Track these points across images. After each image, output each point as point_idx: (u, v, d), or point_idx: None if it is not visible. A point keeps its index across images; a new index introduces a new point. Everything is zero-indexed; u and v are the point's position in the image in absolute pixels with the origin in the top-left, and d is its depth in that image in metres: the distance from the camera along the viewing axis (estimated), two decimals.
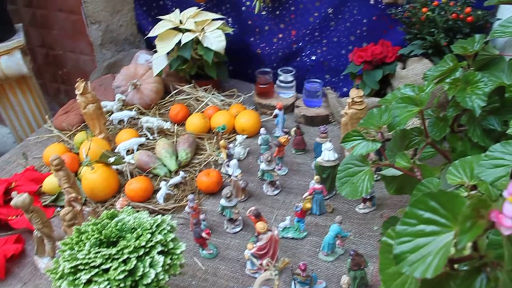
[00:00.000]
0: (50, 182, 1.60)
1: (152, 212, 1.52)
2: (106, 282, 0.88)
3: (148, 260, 0.93)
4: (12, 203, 1.19)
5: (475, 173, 0.97)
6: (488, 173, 0.94)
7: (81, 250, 0.95)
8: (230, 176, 1.57)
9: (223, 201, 1.42)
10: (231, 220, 1.45)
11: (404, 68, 1.82)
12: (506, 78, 1.24)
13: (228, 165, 1.57)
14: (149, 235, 0.97)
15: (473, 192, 0.94)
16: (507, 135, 1.03)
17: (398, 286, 0.69)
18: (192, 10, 2.06)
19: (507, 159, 0.95)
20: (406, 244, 0.59)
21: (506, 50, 1.63)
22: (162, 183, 1.57)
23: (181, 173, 1.63)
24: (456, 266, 0.65)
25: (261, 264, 1.22)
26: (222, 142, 1.63)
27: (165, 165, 1.70)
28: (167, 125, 1.89)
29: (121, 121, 1.99)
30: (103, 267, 0.91)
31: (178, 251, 0.98)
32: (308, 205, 1.37)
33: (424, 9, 1.67)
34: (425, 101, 1.19)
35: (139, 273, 0.90)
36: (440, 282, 0.65)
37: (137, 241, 0.95)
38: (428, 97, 1.20)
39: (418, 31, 1.74)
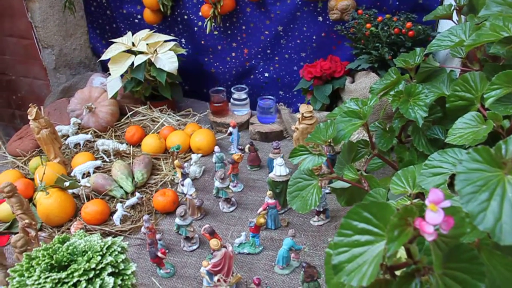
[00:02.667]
0: (4, 210, 1.59)
1: (109, 234, 1.51)
2: None
3: (98, 282, 0.93)
4: None
5: (417, 182, 1.01)
6: (428, 181, 0.98)
7: (31, 276, 0.95)
8: (185, 195, 1.58)
9: (178, 220, 1.43)
10: (188, 239, 1.46)
11: (353, 82, 1.88)
12: (446, 89, 1.30)
13: (182, 184, 1.58)
14: (99, 257, 0.97)
15: (415, 200, 0.98)
16: (449, 145, 1.08)
17: None
18: (144, 32, 2.08)
19: (444, 167, 0.99)
20: (343, 255, 0.62)
21: (447, 62, 1.71)
22: (119, 205, 1.57)
23: (137, 194, 1.64)
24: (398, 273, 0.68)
25: (218, 281, 1.23)
26: (176, 162, 1.65)
27: (121, 187, 1.70)
28: (123, 147, 1.90)
29: (77, 145, 1.99)
30: None
31: (128, 272, 0.99)
32: (262, 220, 1.40)
33: (368, 25, 1.73)
34: (368, 114, 1.24)
35: None
36: None
37: (87, 264, 0.95)
38: (371, 110, 1.25)
39: (364, 46, 1.80)
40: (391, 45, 1.74)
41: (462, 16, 1.42)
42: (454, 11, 1.44)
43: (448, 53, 1.73)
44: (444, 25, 1.75)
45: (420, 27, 1.71)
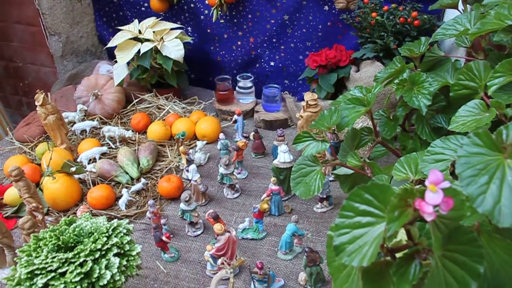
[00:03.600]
0: (11, 194, 1.61)
1: (114, 219, 1.53)
2: (63, 285, 0.90)
3: (104, 262, 0.95)
4: None
5: (419, 168, 1.02)
6: (430, 167, 0.99)
7: (39, 256, 0.97)
8: (190, 181, 1.60)
9: (182, 205, 1.45)
10: (192, 224, 1.48)
11: (358, 71, 1.88)
12: (450, 78, 1.30)
13: (187, 170, 1.60)
14: (105, 238, 0.99)
15: (417, 187, 0.99)
16: (452, 132, 1.09)
17: (344, 277, 0.72)
18: (151, 20, 2.09)
19: (446, 153, 0.99)
20: (345, 236, 0.63)
21: (452, 51, 1.71)
22: (124, 190, 1.59)
23: (143, 180, 1.66)
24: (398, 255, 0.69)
25: (221, 263, 1.25)
26: (181, 148, 1.66)
27: (127, 173, 1.72)
28: (128, 133, 1.91)
29: (83, 131, 2.01)
30: (60, 271, 0.93)
31: (133, 253, 1.01)
32: (265, 206, 1.41)
33: (374, 14, 1.74)
34: (372, 101, 1.24)
35: (95, 275, 0.93)
36: (380, 272, 0.68)
37: (93, 245, 0.97)
38: (374, 97, 1.26)
39: (369, 35, 1.80)
40: (396, 34, 1.74)
41: (467, 5, 1.42)
42: (460, 0, 1.44)
43: (453, 43, 1.73)
44: (450, 15, 1.76)
45: (425, 16, 1.71)
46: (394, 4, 1.80)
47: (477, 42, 1.25)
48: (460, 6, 1.44)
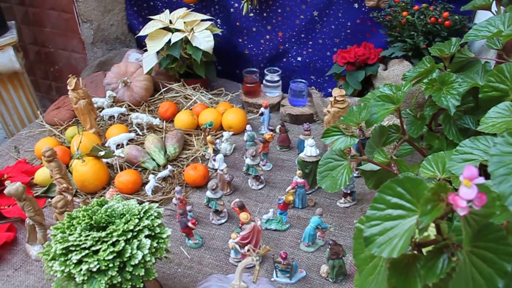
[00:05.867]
0: (42, 174, 1.65)
1: (140, 203, 1.56)
2: (96, 262, 0.94)
3: (135, 242, 0.98)
4: (5, 191, 1.24)
5: (447, 167, 1.03)
6: (458, 167, 0.99)
7: (72, 234, 1.00)
8: (216, 170, 1.63)
9: (209, 193, 1.48)
10: (217, 212, 1.51)
11: (385, 69, 1.89)
12: (480, 79, 1.30)
13: (214, 160, 1.62)
14: (137, 220, 1.02)
15: None
16: (481, 133, 1.09)
17: (370, 269, 0.73)
18: (182, 10, 2.12)
19: (475, 153, 1.00)
20: (375, 227, 0.64)
21: (482, 53, 1.71)
22: (151, 176, 1.62)
23: (169, 167, 1.69)
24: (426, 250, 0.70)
25: (248, 251, 1.27)
26: (209, 138, 1.69)
27: (153, 159, 1.76)
28: (156, 121, 1.95)
29: (111, 117, 2.05)
30: (93, 248, 0.96)
31: (164, 235, 1.04)
32: (290, 198, 1.43)
33: (404, 13, 1.74)
34: (401, 99, 1.25)
35: (127, 255, 0.96)
36: (408, 264, 0.69)
37: (126, 225, 1.00)
38: (404, 95, 1.27)
39: (399, 34, 1.81)
40: (426, 34, 1.74)
41: (501, 7, 1.42)
42: (494, 2, 1.44)
43: (484, 45, 1.73)
44: (481, 16, 1.75)
45: (456, 17, 1.71)
46: (425, 4, 1.80)
47: (509, 45, 1.25)
48: (494, 8, 1.44)
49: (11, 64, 2.31)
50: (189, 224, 1.37)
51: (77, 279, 0.93)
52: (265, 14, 2.19)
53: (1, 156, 1.86)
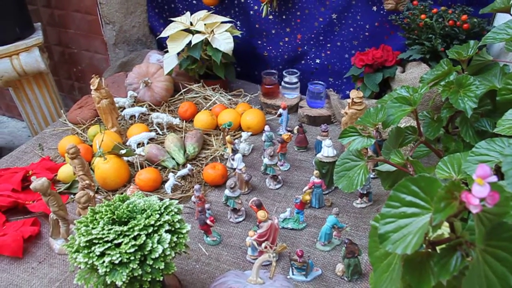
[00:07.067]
0: (65, 171, 1.70)
1: (160, 200, 1.60)
2: (118, 255, 0.97)
3: (156, 237, 1.02)
4: (31, 186, 1.29)
5: (462, 168, 1.04)
6: (473, 168, 1.00)
7: (95, 228, 1.04)
8: (234, 169, 1.66)
9: (227, 192, 1.51)
10: (235, 210, 1.54)
11: (403, 71, 1.90)
12: (498, 82, 1.31)
13: (233, 159, 1.65)
14: (157, 215, 1.06)
15: None
16: (497, 135, 1.09)
17: (384, 266, 0.75)
18: (202, 13, 2.16)
19: (491, 155, 1.00)
20: (390, 225, 0.66)
21: (501, 56, 1.71)
22: (170, 175, 1.66)
23: (189, 166, 1.72)
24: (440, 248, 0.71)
25: (265, 248, 1.30)
26: (228, 138, 1.72)
27: (173, 158, 1.79)
28: (176, 121, 1.99)
29: (132, 117, 2.09)
30: (115, 242, 1.00)
31: (184, 231, 1.07)
32: (307, 197, 1.45)
33: (423, 16, 1.75)
34: (418, 101, 1.26)
35: (148, 248, 0.99)
36: (421, 262, 0.71)
37: (147, 220, 1.03)
38: (421, 97, 1.28)
39: (417, 37, 1.82)
40: (444, 37, 1.75)
41: None
42: None
43: (502, 48, 1.73)
44: (501, 19, 1.75)
45: (475, 20, 1.71)
46: (444, 7, 1.81)
47: None
48: None
49: (37, 65, 2.37)
50: (208, 221, 1.40)
51: (99, 271, 0.97)
52: (284, 17, 2.22)
53: (26, 153, 1.91)
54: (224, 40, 2.06)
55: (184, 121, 2.05)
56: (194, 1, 2.40)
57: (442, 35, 1.74)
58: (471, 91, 1.24)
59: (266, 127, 1.79)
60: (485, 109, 1.32)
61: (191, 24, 2.13)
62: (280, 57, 2.34)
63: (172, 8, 2.50)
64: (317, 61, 2.27)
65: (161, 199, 1.57)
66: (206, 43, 2.09)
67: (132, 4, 2.47)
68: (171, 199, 1.59)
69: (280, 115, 1.93)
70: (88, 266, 1.00)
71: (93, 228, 1.04)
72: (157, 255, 0.99)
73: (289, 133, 1.71)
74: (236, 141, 1.79)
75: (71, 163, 1.47)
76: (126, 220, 1.08)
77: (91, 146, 1.85)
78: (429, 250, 0.72)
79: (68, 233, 1.42)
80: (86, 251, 1.00)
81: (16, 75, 2.35)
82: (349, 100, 1.66)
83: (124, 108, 2.11)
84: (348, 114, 1.65)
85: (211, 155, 1.84)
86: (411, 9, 1.83)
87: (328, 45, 2.21)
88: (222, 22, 2.15)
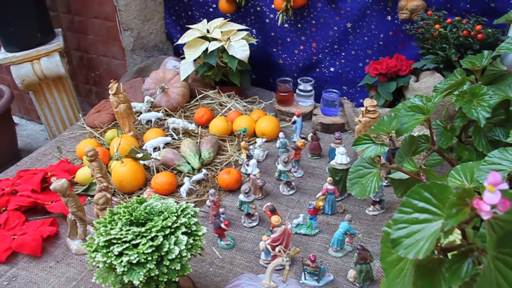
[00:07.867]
0: (83, 173, 1.74)
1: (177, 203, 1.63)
2: (136, 255, 1.00)
3: (173, 238, 1.04)
4: (51, 187, 1.32)
5: (475, 177, 1.05)
6: (486, 176, 1.00)
7: (114, 228, 1.07)
8: (249, 175, 1.68)
9: (241, 196, 1.53)
10: (248, 215, 1.56)
11: (417, 81, 1.91)
12: (511, 92, 1.32)
13: (247, 165, 1.68)
14: (174, 218, 1.08)
15: None
16: (510, 144, 1.10)
17: (396, 272, 0.76)
18: (219, 20, 2.20)
19: (504, 164, 1.01)
20: (402, 230, 0.67)
21: None
22: (186, 179, 1.69)
23: (204, 170, 1.75)
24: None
25: (279, 252, 1.32)
26: (243, 143, 1.75)
27: (188, 163, 1.82)
28: (191, 126, 2.02)
29: (148, 121, 2.13)
30: (133, 242, 1.02)
31: (200, 233, 1.10)
32: (320, 203, 1.47)
33: (437, 26, 1.77)
34: (431, 110, 1.28)
35: (165, 249, 1.02)
36: (433, 267, 0.72)
37: (164, 222, 1.06)
38: (434, 106, 1.29)
39: (431, 46, 1.83)
40: (458, 46, 1.76)
41: None
42: None
43: None
44: None
45: (489, 30, 1.73)
46: (458, 17, 1.82)
47: None
48: None
49: (57, 69, 2.42)
50: (222, 225, 1.42)
51: (117, 270, 1.00)
52: (299, 25, 2.25)
53: (45, 156, 1.96)
54: (240, 47, 2.09)
55: (200, 126, 2.08)
56: (210, 9, 2.44)
57: (456, 45, 1.76)
58: (485, 101, 1.25)
59: (281, 134, 1.82)
60: (498, 119, 1.33)
61: (208, 31, 2.17)
62: (295, 65, 2.37)
63: (189, 16, 2.54)
64: (332, 69, 2.29)
65: (177, 202, 1.61)
66: (222, 50, 2.12)
67: (150, 11, 2.51)
68: (186, 203, 1.63)
69: (294, 122, 1.95)
70: (106, 265, 1.02)
71: (111, 229, 1.07)
72: (173, 256, 1.02)
73: (303, 140, 1.74)
74: (251, 147, 1.81)
75: (90, 165, 1.50)
76: (143, 221, 1.11)
77: (108, 149, 1.89)
78: (441, 256, 0.73)
79: (85, 234, 1.45)
80: (104, 251, 1.03)
81: (36, 79, 2.41)
82: (363, 108, 1.68)
83: (141, 113, 2.15)
84: (362, 122, 1.67)
85: (226, 161, 1.87)
86: (425, 19, 1.84)
87: (343, 53, 2.23)
88: (238, 30, 2.18)
